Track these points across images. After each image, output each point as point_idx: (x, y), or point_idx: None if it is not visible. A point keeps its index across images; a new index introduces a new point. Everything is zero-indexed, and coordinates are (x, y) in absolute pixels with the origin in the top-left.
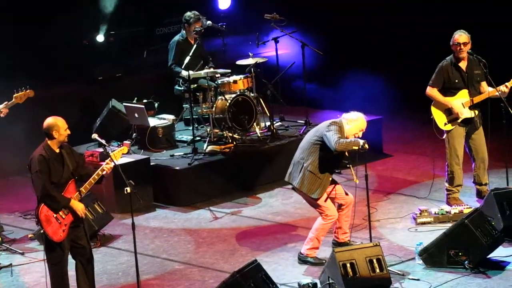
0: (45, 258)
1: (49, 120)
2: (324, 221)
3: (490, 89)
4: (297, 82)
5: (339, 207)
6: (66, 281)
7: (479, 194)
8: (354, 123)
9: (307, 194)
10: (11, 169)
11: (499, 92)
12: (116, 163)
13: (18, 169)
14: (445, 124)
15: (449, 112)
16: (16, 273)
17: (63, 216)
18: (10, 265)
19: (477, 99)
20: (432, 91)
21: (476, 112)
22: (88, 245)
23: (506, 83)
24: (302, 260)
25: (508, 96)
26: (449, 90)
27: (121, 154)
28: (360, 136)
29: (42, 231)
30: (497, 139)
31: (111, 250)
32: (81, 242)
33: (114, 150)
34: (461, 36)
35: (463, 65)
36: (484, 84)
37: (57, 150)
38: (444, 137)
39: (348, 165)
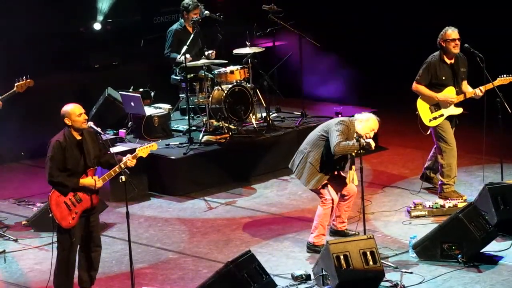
0: (57, 241)
1: (62, 108)
2: (323, 206)
3: (470, 89)
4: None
5: (342, 196)
6: (71, 268)
7: (428, 179)
8: (364, 123)
9: (304, 184)
10: (7, 156)
11: (474, 95)
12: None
13: (14, 156)
14: (430, 120)
15: (435, 108)
16: (10, 259)
17: (75, 204)
18: (4, 251)
19: (465, 96)
20: (418, 87)
21: (461, 110)
22: (98, 235)
23: (481, 87)
24: (311, 249)
25: (504, 90)
26: (435, 86)
27: (149, 151)
28: (371, 136)
29: (51, 215)
30: (492, 134)
31: (105, 238)
32: (94, 232)
33: (141, 146)
34: (454, 32)
35: (450, 62)
36: (464, 83)
37: (78, 137)
38: (428, 133)
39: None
